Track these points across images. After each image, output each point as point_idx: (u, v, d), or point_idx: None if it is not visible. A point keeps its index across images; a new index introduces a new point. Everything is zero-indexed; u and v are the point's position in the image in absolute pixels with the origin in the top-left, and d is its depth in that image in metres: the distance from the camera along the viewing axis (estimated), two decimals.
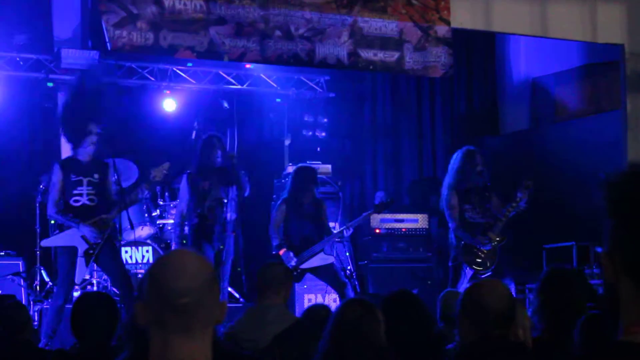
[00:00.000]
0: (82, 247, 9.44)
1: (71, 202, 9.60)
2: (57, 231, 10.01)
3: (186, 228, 11.74)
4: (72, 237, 9.51)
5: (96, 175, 9.66)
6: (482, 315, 4.00)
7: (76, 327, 5.18)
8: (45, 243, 10.33)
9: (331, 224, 11.62)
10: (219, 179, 10.75)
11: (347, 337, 4.27)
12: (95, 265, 11.15)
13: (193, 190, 10.72)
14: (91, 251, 9.42)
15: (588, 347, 4.03)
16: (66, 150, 12.74)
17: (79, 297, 5.72)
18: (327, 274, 10.73)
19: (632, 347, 1.96)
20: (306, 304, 11.52)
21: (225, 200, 10.76)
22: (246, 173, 11.02)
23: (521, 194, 10.41)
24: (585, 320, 4.29)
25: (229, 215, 10.79)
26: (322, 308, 6.02)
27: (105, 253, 9.56)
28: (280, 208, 10.85)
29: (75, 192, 9.60)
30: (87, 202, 9.59)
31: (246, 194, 10.90)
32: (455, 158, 10.78)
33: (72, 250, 9.50)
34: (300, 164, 11.36)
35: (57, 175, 9.62)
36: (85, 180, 9.60)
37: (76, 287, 11.07)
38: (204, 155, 10.76)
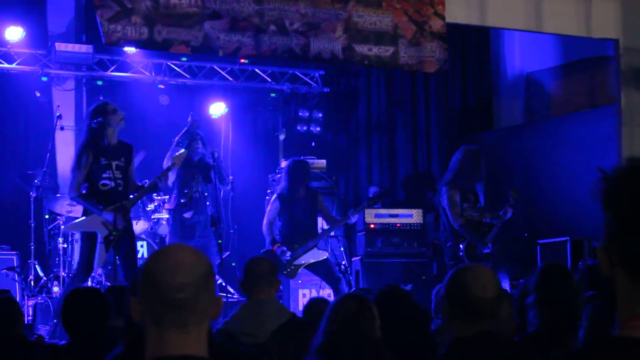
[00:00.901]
0: (102, 233, 9.36)
1: (99, 185, 9.52)
2: (51, 225, 10.01)
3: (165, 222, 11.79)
4: (94, 222, 9.42)
5: (122, 159, 9.58)
6: (468, 305, 3.86)
7: (67, 323, 5.16)
8: (67, 228, 10.32)
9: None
10: (200, 173, 10.81)
11: (342, 332, 4.26)
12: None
13: (178, 178, 10.81)
14: (111, 237, 9.32)
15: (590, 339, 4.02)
16: (61, 145, 12.77)
17: (70, 292, 5.69)
18: (321, 269, 10.73)
19: (629, 341, 1.97)
20: (301, 299, 11.53)
21: (207, 194, 10.81)
22: (226, 168, 11.04)
23: (506, 210, 10.44)
24: (591, 312, 4.23)
25: (209, 208, 10.84)
26: (322, 302, 6.02)
27: (125, 241, 9.47)
28: (273, 203, 10.85)
29: (104, 175, 9.48)
30: (114, 186, 9.49)
31: (228, 187, 10.95)
32: (459, 157, 10.72)
33: (93, 236, 9.41)
34: (293, 158, 11.35)
35: (86, 158, 9.45)
36: (113, 164, 9.50)
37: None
38: (188, 147, 10.83)
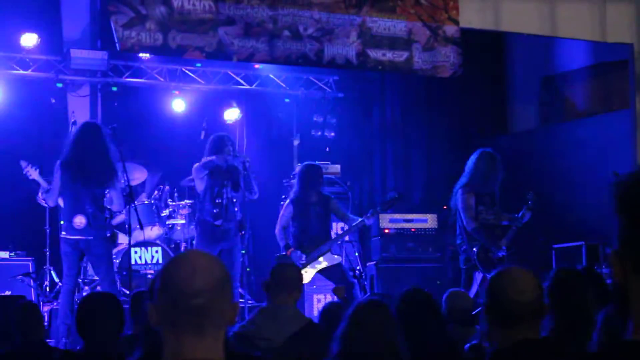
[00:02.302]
0: None
1: None
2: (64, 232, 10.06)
3: (193, 228, 11.81)
4: None
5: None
6: (504, 311, 3.74)
7: (81, 328, 5.17)
8: None
9: (340, 224, 11.63)
10: (229, 179, 10.81)
11: (361, 337, 4.25)
12: None
13: (209, 187, 10.80)
14: None
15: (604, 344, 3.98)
16: None
17: (85, 298, 5.71)
18: (335, 274, 10.74)
19: None
20: (315, 304, 11.54)
21: (235, 200, 10.81)
22: (257, 176, 11.05)
23: (525, 213, 10.45)
24: (604, 317, 4.15)
25: (237, 215, 10.85)
26: (339, 307, 6.03)
27: None
28: (287, 208, 10.87)
29: None
30: None
31: (255, 197, 10.94)
32: (475, 160, 10.70)
33: None
34: (305, 163, 11.36)
35: None
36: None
37: (85, 287, 11.14)
38: (213, 154, 10.81)
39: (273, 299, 5.80)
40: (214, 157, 10.62)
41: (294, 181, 11.26)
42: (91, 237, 9.73)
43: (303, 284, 6.15)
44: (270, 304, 5.79)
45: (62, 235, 9.96)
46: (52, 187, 10.12)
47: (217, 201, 10.79)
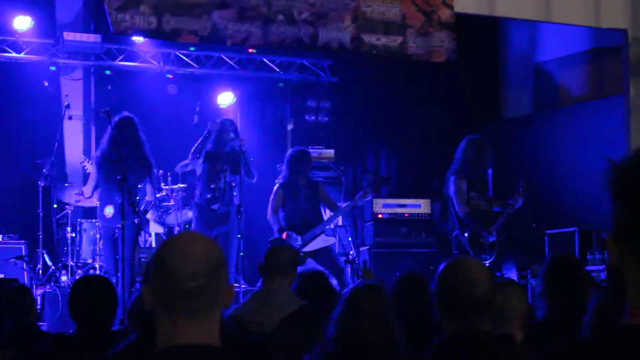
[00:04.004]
0: None
1: None
2: (59, 214, 10.17)
3: (190, 213, 11.83)
4: None
5: None
6: (456, 305, 3.67)
7: (74, 311, 5.14)
8: None
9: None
10: (228, 163, 10.85)
11: (356, 321, 4.25)
12: (98, 249, 11.26)
13: (205, 172, 10.87)
14: None
15: (597, 329, 3.97)
16: (69, 134, 12.80)
17: (77, 281, 5.69)
18: (326, 260, 10.76)
19: (637, 330, 1.97)
20: None
21: (234, 184, 10.85)
22: (253, 159, 11.11)
23: (517, 199, 10.43)
24: (597, 302, 4.13)
25: (236, 199, 10.90)
26: (320, 275, 6.04)
27: None
28: (277, 193, 10.92)
29: None
30: None
31: (254, 180, 11.02)
32: (463, 146, 10.70)
33: None
34: (294, 148, 11.40)
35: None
36: None
37: (79, 270, 11.16)
38: (217, 139, 10.88)
39: (268, 283, 5.79)
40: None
41: (283, 167, 11.29)
42: (119, 225, 9.99)
43: (298, 267, 6.14)
44: (264, 288, 5.78)
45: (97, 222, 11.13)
46: (89, 179, 10.73)
47: (211, 186, 10.85)
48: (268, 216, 10.92)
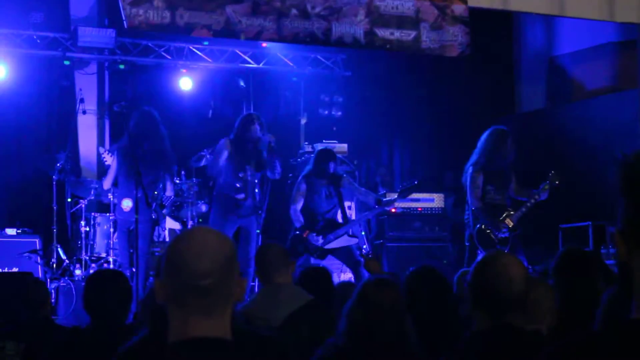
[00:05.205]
0: None
1: None
2: (74, 208, 10.21)
3: (204, 207, 11.84)
4: None
5: None
6: (491, 300, 3.72)
7: (88, 305, 5.16)
8: None
9: (347, 204, 11.63)
10: (253, 158, 10.81)
11: (368, 315, 4.25)
12: (112, 243, 11.29)
13: (232, 161, 10.80)
14: None
15: (605, 324, 3.96)
16: (83, 128, 12.83)
17: (92, 275, 5.71)
18: (342, 253, 10.80)
19: None
20: None
21: (257, 181, 10.84)
22: (280, 159, 11.08)
23: (543, 189, 10.38)
24: (609, 296, 4.13)
25: (257, 195, 10.88)
26: (350, 286, 6.05)
27: None
28: (300, 186, 10.88)
29: None
30: None
31: (277, 177, 11.01)
32: (487, 137, 10.62)
33: None
34: (323, 147, 11.40)
35: None
36: None
37: (93, 264, 11.20)
38: (241, 133, 10.83)
39: (269, 280, 5.79)
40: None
41: (309, 162, 11.23)
42: (133, 219, 9.99)
43: (291, 258, 6.16)
44: (268, 284, 5.79)
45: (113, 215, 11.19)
46: (109, 172, 10.82)
47: (239, 175, 10.77)
48: (291, 212, 10.91)
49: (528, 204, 10.45)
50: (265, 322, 5.43)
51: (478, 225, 10.44)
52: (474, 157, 10.67)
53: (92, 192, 11.59)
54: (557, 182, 10.45)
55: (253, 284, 10.66)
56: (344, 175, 11.18)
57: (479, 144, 10.67)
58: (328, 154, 10.99)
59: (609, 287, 4.53)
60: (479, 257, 3.91)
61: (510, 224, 10.44)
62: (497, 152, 10.51)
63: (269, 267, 5.80)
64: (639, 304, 2.00)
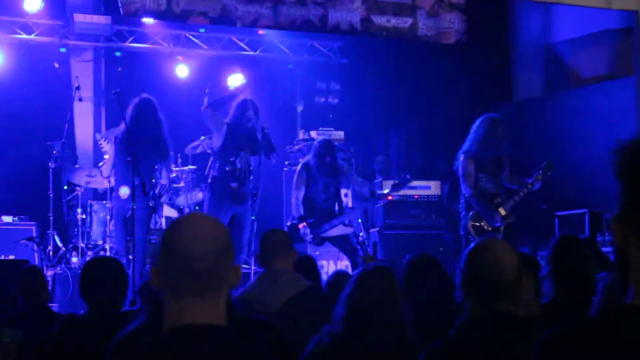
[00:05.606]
0: None
1: None
2: (70, 196, 10.22)
3: (200, 194, 11.83)
4: None
5: None
6: (482, 287, 3.71)
7: (85, 292, 5.16)
8: None
9: (343, 191, 11.63)
10: (248, 143, 10.80)
11: (365, 302, 4.26)
12: (108, 230, 11.30)
13: (225, 146, 10.78)
14: None
15: (601, 310, 3.97)
16: (79, 116, 12.82)
17: (88, 262, 5.71)
18: (339, 240, 10.80)
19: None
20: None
21: (251, 167, 10.84)
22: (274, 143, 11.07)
23: (536, 178, 10.36)
24: (605, 283, 4.13)
25: (252, 181, 10.88)
26: (347, 276, 6.06)
27: None
28: (300, 173, 10.86)
29: None
30: None
31: (273, 161, 11.01)
32: (478, 125, 10.59)
33: None
34: (321, 138, 11.39)
35: None
36: None
37: (89, 252, 11.20)
38: (236, 118, 10.81)
39: (270, 265, 5.82)
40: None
41: (310, 152, 11.21)
42: (130, 207, 10.01)
43: (293, 245, 6.17)
44: (267, 270, 5.82)
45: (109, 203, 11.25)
46: (108, 159, 10.83)
47: (231, 159, 10.76)
48: (292, 200, 10.89)
49: (521, 193, 10.43)
50: (266, 307, 5.44)
51: (471, 213, 10.42)
52: (465, 145, 10.64)
53: (88, 180, 11.60)
54: (549, 172, 10.43)
55: (248, 270, 10.65)
56: (343, 165, 11.17)
57: (471, 132, 10.64)
58: (328, 146, 10.96)
59: (604, 273, 4.54)
60: (471, 245, 3.89)
61: (503, 213, 10.42)
62: (488, 140, 10.45)
63: (271, 252, 5.83)
64: (635, 289, 2.00)
